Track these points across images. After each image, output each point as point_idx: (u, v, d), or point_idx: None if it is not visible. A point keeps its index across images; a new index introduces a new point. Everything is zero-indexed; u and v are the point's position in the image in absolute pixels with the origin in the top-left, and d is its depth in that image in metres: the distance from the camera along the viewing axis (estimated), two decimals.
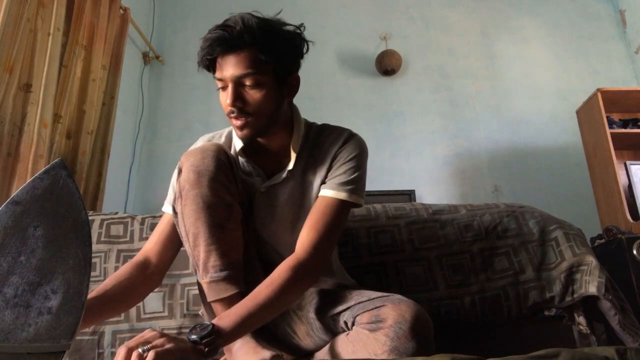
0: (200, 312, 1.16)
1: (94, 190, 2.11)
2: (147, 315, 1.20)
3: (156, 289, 1.22)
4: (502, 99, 3.06)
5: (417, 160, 2.91)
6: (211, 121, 2.95)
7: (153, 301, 1.21)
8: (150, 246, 1.01)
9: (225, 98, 0.91)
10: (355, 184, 0.97)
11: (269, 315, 0.84)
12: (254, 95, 0.91)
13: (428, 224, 1.38)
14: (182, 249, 1.27)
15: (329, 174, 0.99)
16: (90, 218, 1.37)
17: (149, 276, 0.98)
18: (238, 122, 0.92)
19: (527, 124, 2.99)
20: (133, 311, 1.20)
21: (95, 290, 0.89)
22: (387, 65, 2.98)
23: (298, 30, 0.95)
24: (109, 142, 2.25)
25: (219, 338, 0.74)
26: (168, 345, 0.69)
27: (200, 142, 1.08)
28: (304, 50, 0.97)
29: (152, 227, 1.34)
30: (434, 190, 2.83)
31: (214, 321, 0.76)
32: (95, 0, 2.20)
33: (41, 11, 1.77)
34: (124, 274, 0.93)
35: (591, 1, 3.31)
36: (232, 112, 0.91)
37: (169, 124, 2.98)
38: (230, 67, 0.89)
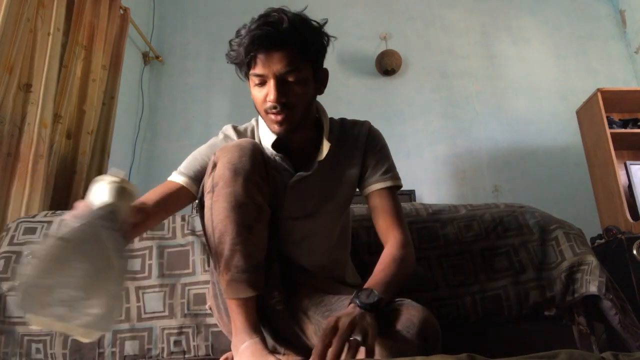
0: (207, 307, 1.16)
1: None
2: (148, 315, 1.20)
3: (156, 289, 1.23)
4: (502, 99, 3.06)
5: (417, 160, 2.91)
6: (211, 121, 2.95)
7: (153, 301, 1.21)
8: (147, 201, 0.96)
9: (265, 94, 0.92)
10: (393, 170, 1.07)
11: (397, 285, 0.89)
12: (296, 90, 0.92)
13: (428, 224, 1.38)
14: (182, 248, 1.28)
15: (368, 169, 1.06)
16: None
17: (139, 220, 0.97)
18: (279, 118, 0.93)
19: (527, 124, 2.99)
20: (134, 311, 1.20)
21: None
22: (387, 65, 2.98)
23: (323, 26, 0.97)
24: (109, 142, 2.25)
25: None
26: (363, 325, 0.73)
27: (232, 132, 1.08)
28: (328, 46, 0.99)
29: None
30: (434, 190, 2.83)
31: (374, 289, 0.82)
32: (95, 0, 2.20)
33: (41, 11, 1.77)
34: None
35: (591, 1, 3.31)
36: (274, 108, 0.91)
37: (169, 124, 2.98)
38: (274, 64, 0.89)
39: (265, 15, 0.89)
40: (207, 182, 0.90)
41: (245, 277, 0.86)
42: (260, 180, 0.89)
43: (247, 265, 0.86)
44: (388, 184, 1.04)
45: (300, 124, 0.97)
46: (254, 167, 0.88)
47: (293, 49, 0.90)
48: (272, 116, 0.93)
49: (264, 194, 0.91)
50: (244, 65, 0.93)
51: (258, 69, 0.91)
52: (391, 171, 1.06)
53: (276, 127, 0.94)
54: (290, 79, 0.91)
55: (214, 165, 0.90)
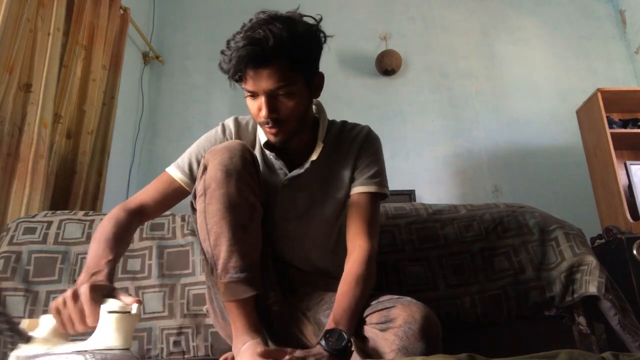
0: (204, 309, 1.16)
1: (94, 190, 2.11)
2: (148, 315, 1.20)
3: (156, 289, 1.22)
4: (502, 99, 3.06)
5: (417, 160, 2.91)
6: (211, 121, 2.94)
7: (153, 301, 1.21)
8: (148, 201, 1.01)
9: (257, 107, 0.92)
10: (380, 176, 1.04)
11: (362, 308, 0.88)
12: (287, 104, 0.91)
13: (428, 224, 1.38)
14: (182, 249, 1.28)
15: (357, 171, 1.04)
16: (90, 218, 1.37)
17: (139, 224, 1.03)
18: (273, 130, 0.93)
19: (527, 124, 2.99)
20: None
21: (108, 235, 0.89)
22: (387, 65, 2.98)
23: (317, 25, 0.93)
24: (109, 142, 2.25)
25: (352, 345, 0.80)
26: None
27: (231, 123, 1.08)
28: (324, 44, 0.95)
29: (152, 227, 1.34)
30: (434, 190, 2.83)
31: (339, 328, 0.80)
32: (95, 0, 2.20)
33: (41, 11, 1.76)
34: (125, 223, 0.94)
35: (591, 1, 3.31)
36: (267, 123, 0.92)
37: (169, 124, 2.98)
38: (263, 81, 0.88)
39: (250, 30, 0.85)
40: (199, 186, 0.90)
41: (243, 277, 0.86)
42: (251, 180, 0.90)
43: (244, 265, 0.86)
44: (371, 189, 1.02)
45: (296, 132, 0.97)
46: (245, 167, 0.89)
47: (282, 64, 0.87)
48: (267, 128, 0.94)
49: (256, 194, 0.92)
50: (235, 80, 0.92)
51: (248, 85, 0.90)
52: (378, 177, 1.03)
53: (272, 138, 0.96)
54: (281, 92, 0.89)
55: (205, 168, 0.90)
